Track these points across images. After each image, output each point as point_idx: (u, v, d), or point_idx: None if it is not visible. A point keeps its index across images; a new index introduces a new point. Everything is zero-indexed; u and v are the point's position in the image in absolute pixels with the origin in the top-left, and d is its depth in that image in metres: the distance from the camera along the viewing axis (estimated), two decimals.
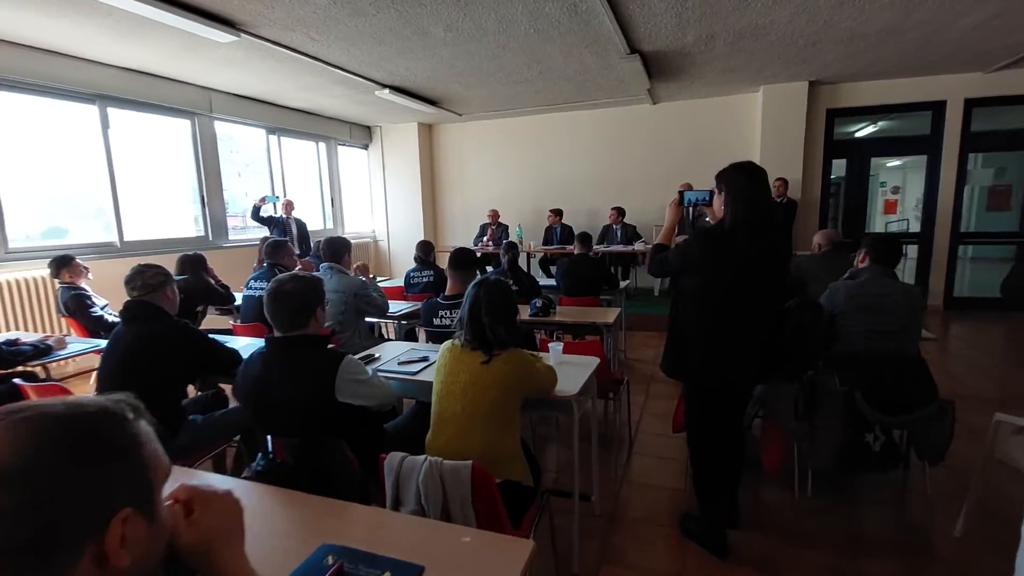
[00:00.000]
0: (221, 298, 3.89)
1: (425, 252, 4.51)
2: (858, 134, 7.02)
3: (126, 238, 5.11)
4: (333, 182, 7.93)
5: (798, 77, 6.07)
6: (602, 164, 7.70)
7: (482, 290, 1.73)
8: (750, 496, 2.45)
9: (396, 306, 3.89)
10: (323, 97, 6.26)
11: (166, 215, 5.76)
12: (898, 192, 7.36)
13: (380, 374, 2.23)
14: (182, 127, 5.67)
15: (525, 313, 3.40)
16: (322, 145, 7.72)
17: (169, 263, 4.56)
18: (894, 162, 7.34)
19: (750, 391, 2.25)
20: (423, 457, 1.42)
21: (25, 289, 4.24)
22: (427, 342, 2.91)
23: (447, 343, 1.79)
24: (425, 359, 2.35)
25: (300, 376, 1.62)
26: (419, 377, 2.16)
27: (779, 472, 2.54)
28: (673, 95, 6.81)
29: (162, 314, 2.16)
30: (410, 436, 1.93)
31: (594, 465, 2.40)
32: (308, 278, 1.74)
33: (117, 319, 4.05)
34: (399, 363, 2.32)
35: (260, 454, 1.66)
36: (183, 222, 5.88)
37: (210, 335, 3.10)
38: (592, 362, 2.23)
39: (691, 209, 2.41)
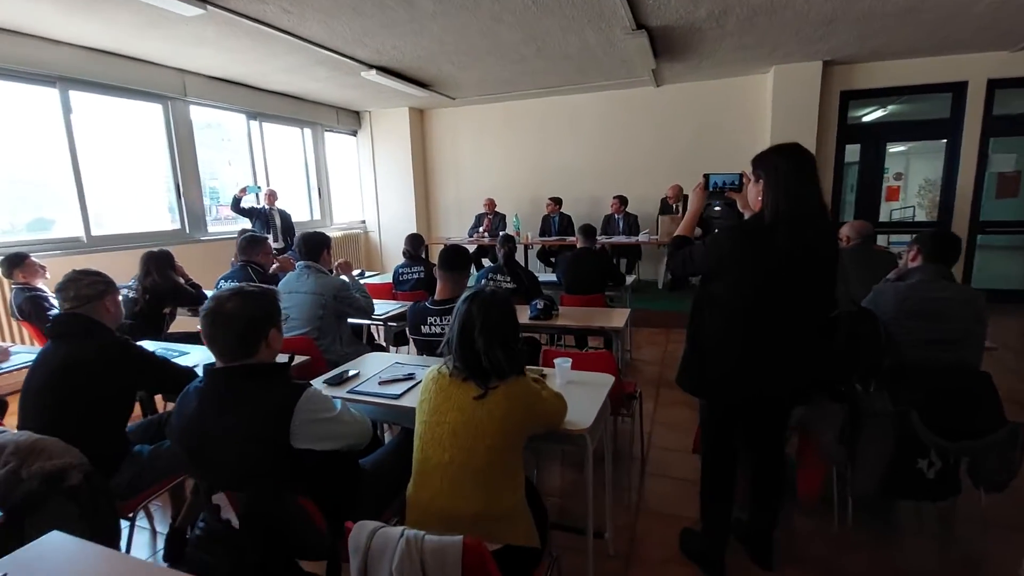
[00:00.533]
0: (191, 298, 3.54)
1: (414, 246, 4.17)
2: (866, 119, 6.66)
3: (94, 232, 4.74)
4: (320, 170, 7.54)
5: (812, 57, 5.70)
6: (603, 150, 7.34)
7: (475, 306, 1.40)
8: (783, 526, 2.16)
9: (384, 306, 3.56)
10: (306, 80, 5.85)
11: (139, 207, 5.38)
12: (900, 178, 7.05)
13: (356, 395, 1.91)
14: (154, 112, 5.27)
15: (524, 315, 3.08)
16: (308, 131, 7.31)
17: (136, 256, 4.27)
18: (897, 147, 6.99)
19: (787, 412, 1.95)
20: (399, 531, 1.09)
21: None
22: (419, 353, 2.58)
23: (432, 370, 1.46)
24: (411, 377, 2.03)
25: (245, 418, 1.28)
26: (403, 402, 1.83)
27: (817, 500, 2.24)
28: (679, 76, 6.43)
29: (95, 330, 1.82)
30: (394, 477, 1.61)
31: (607, 493, 2.09)
32: (256, 293, 1.40)
33: None
34: (380, 382, 1.99)
35: (204, 512, 1.34)
36: (157, 214, 5.50)
37: (169, 346, 2.79)
38: (605, 381, 1.91)
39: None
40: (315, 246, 2.94)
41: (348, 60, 5.04)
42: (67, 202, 4.62)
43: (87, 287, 1.85)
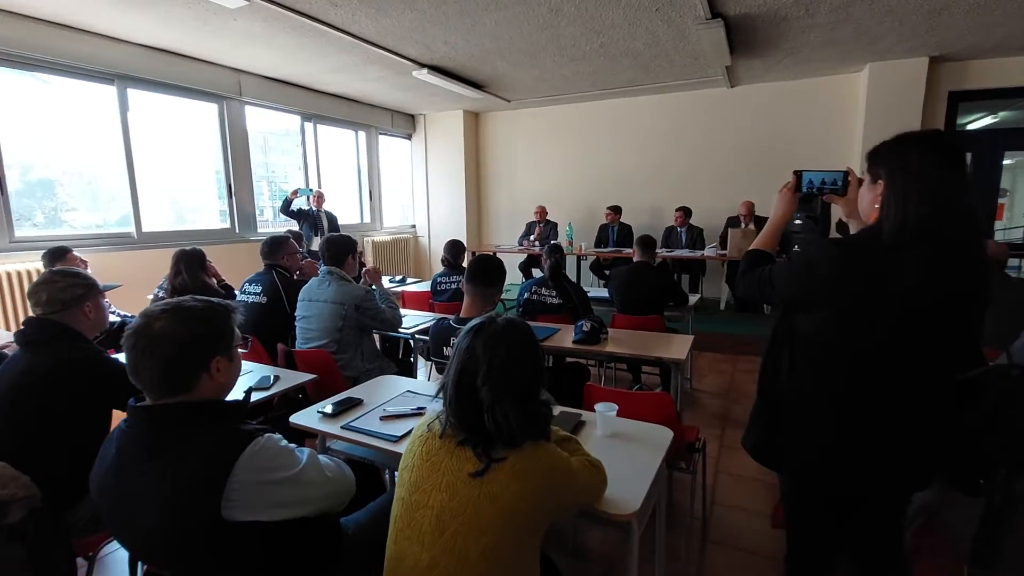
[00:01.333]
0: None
1: (454, 254, 3.86)
2: (971, 126, 5.77)
3: (144, 228, 4.76)
4: (372, 173, 7.45)
5: (916, 52, 4.98)
6: (667, 158, 6.80)
7: (480, 342, 1.03)
8: None
9: (417, 318, 3.26)
10: (358, 80, 5.73)
11: (190, 205, 5.42)
12: (1006, 195, 6.06)
13: (351, 432, 1.57)
14: (209, 112, 5.29)
15: (568, 338, 2.67)
16: (362, 134, 7.24)
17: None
18: (1006, 160, 5.98)
19: (905, 502, 1.44)
20: None
21: (28, 282, 3.91)
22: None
23: (421, 425, 1.10)
24: (420, 412, 1.68)
25: (168, 476, 0.97)
26: (402, 446, 1.48)
27: None
28: (756, 76, 5.83)
29: (64, 338, 1.59)
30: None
31: (656, 565, 1.64)
32: (198, 309, 1.09)
33: (118, 318, 3.71)
34: (382, 417, 1.66)
35: None
36: (208, 213, 5.52)
37: None
38: (661, 439, 1.48)
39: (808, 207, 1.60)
40: (339, 250, 2.67)
41: (399, 58, 4.84)
42: (120, 199, 4.67)
43: (62, 291, 1.63)
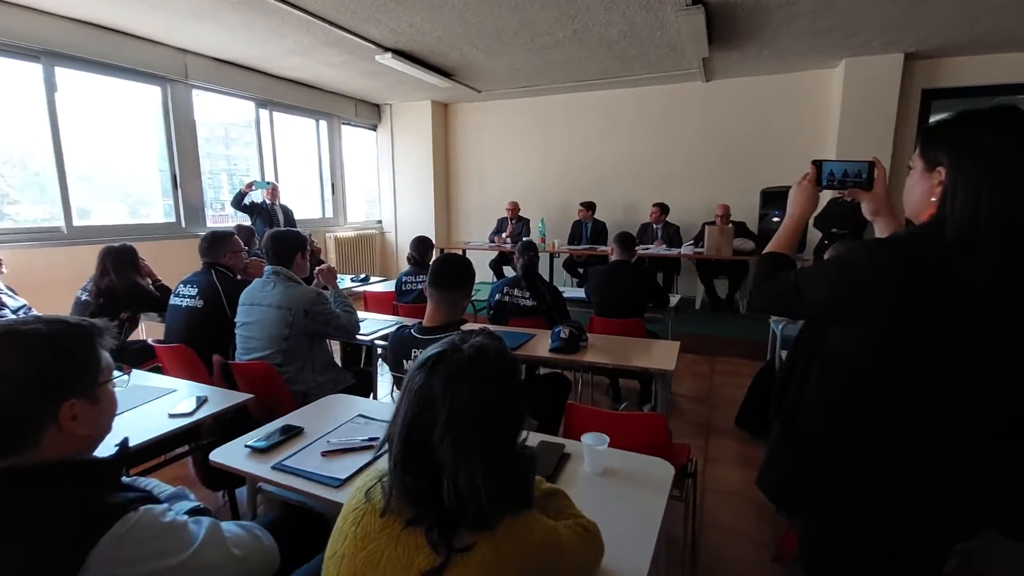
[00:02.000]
0: (154, 303, 3.02)
1: (421, 252, 3.58)
2: None
3: (75, 223, 4.30)
4: (335, 166, 7.05)
5: (893, 47, 4.91)
6: (642, 153, 6.64)
7: (440, 379, 0.76)
8: None
9: (379, 323, 2.96)
10: (319, 65, 5.35)
11: (136, 198, 4.96)
12: None
13: (283, 472, 1.29)
14: (151, 95, 4.83)
15: (543, 345, 2.43)
16: (323, 123, 6.84)
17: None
18: None
19: (946, 554, 1.24)
20: None
21: None
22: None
23: (355, 494, 0.82)
24: (371, 445, 1.40)
25: None
26: (344, 493, 1.21)
27: None
28: (732, 69, 5.70)
29: None
30: None
31: None
32: (44, 333, 0.79)
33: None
34: (324, 450, 1.37)
35: None
36: (153, 205, 5.07)
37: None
38: (661, 477, 1.24)
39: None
40: (286, 247, 2.36)
41: (361, 41, 4.50)
42: (48, 188, 4.20)
43: None
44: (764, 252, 1.26)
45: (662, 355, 2.31)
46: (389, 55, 4.79)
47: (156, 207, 5.08)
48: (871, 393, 1.04)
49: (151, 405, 1.75)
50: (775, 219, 4.73)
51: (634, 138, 6.63)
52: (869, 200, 1.28)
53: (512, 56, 5.08)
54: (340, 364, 2.97)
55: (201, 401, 1.73)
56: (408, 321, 1.96)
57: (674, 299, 3.46)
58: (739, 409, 3.22)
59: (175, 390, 1.86)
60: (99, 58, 4.26)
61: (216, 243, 2.70)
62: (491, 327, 2.97)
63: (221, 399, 1.79)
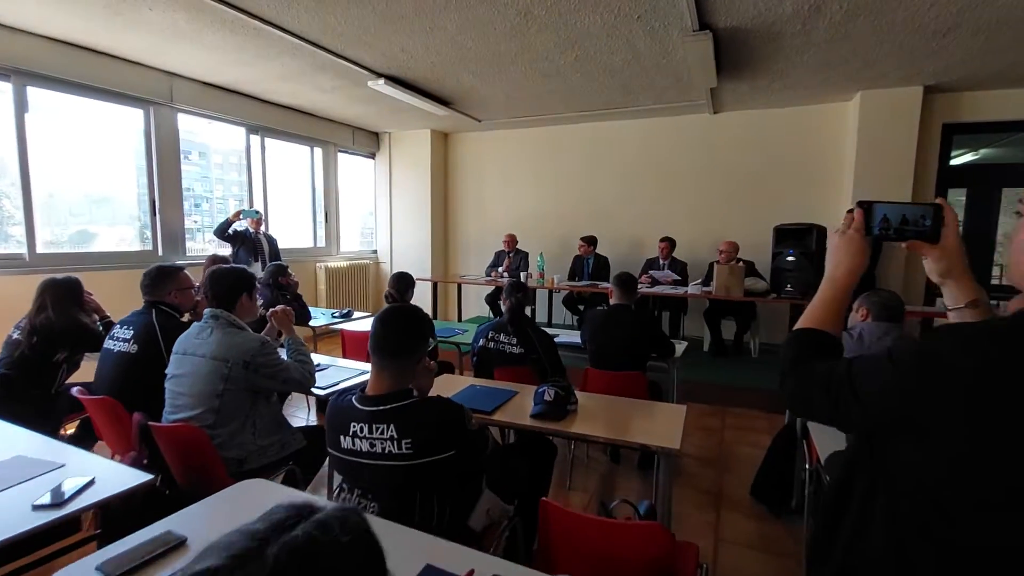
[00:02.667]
0: (97, 342, 2.69)
1: (400, 289, 3.25)
2: (953, 162, 5.46)
3: (39, 250, 4.03)
4: (329, 194, 6.82)
5: (912, 80, 4.65)
6: (646, 186, 6.36)
7: None
8: None
9: (347, 371, 2.62)
10: (311, 90, 5.17)
11: (104, 222, 4.71)
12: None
13: None
14: (131, 117, 4.63)
15: (529, 402, 2.07)
16: (318, 150, 6.64)
17: (97, 281, 3.48)
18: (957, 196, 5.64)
19: None
20: None
21: None
22: (334, 489, 1.59)
23: None
24: None
25: None
26: None
27: None
28: (740, 102, 5.46)
29: None
30: None
31: None
32: None
33: None
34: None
35: None
36: (126, 232, 4.81)
37: None
38: None
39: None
40: (228, 287, 2.04)
41: (352, 66, 4.30)
42: (79, 214, 3.97)
43: None
44: (796, 328, 0.92)
45: (666, 424, 1.94)
46: (382, 81, 4.59)
47: (131, 234, 4.82)
48: (965, 533, 0.69)
49: (29, 485, 1.40)
50: (789, 258, 4.39)
51: (638, 171, 6.37)
52: (937, 257, 0.95)
53: (510, 84, 4.86)
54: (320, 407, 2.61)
55: (85, 485, 1.38)
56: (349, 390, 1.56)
57: (680, 347, 3.10)
58: (755, 478, 2.81)
59: (63, 465, 1.51)
60: (77, 79, 4.08)
61: (160, 278, 2.39)
62: (474, 380, 2.62)
63: (113, 480, 1.43)
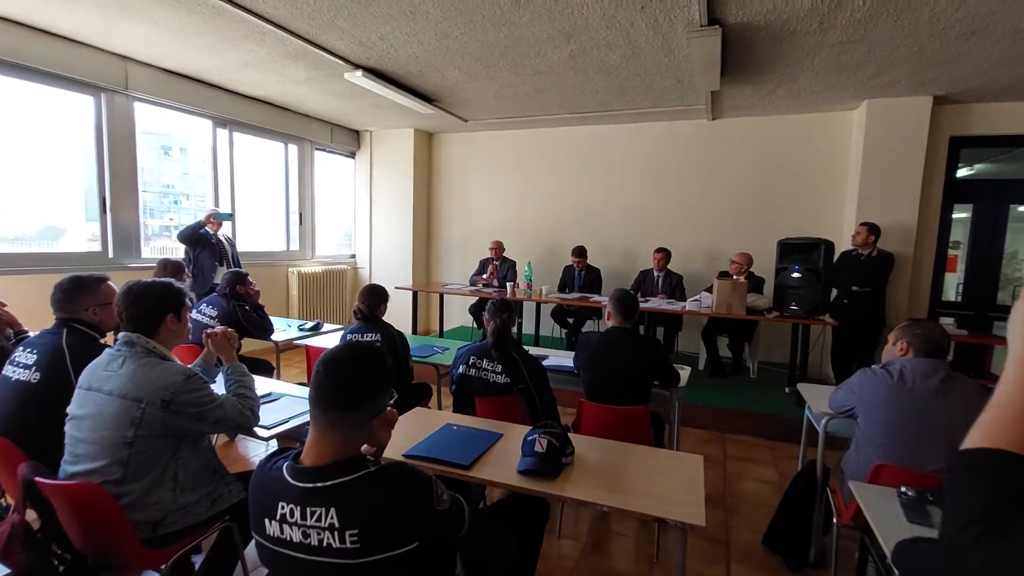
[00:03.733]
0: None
1: (371, 304, 2.88)
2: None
3: None
4: (305, 194, 6.41)
5: (922, 89, 4.43)
6: (640, 194, 6.07)
7: None
8: None
9: (301, 405, 2.23)
10: (283, 81, 4.77)
11: (45, 221, 4.25)
12: (958, 247, 5.59)
13: None
14: (80, 105, 4.19)
15: (515, 447, 1.72)
16: (293, 147, 6.23)
17: (36, 285, 3.02)
18: (960, 213, 5.45)
19: None
20: None
21: None
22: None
23: None
24: None
25: None
26: None
27: None
28: (742, 108, 5.20)
29: None
30: None
31: None
32: None
33: None
34: None
35: None
36: (72, 231, 4.36)
37: None
38: None
39: None
40: (149, 308, 1.65)
41: (325, 54, 3.92)
42: (46, 206, 3.54)
43: None
44: (977, 450, 0.59)
45: (683, 482, 1.60)
46: (359, 73, 4.22)
47: (78, 234, 4.36)
48: None
49: None
50: (795, 274, 4.10)
51: (631, 178, 6.07)
52: None
53: (499, 80, 4.53)
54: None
55: None
56: (282, 453, 1.17)
57: (684, 374, 2.77)
58: (770, 526, 2.49)
59: None
60: (14, 59, 3.63)
61: (76, 291, 1.98)
62: (451, 417, 2.26)
63: None
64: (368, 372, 1.11)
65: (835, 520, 2.04)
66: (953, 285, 5.21)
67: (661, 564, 2.38)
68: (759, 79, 4.27)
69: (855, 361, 4.54)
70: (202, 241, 4.59)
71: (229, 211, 5.05)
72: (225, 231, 4.79)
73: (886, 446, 1.82)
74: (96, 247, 4.34)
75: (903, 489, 1.52)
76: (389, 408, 1.21)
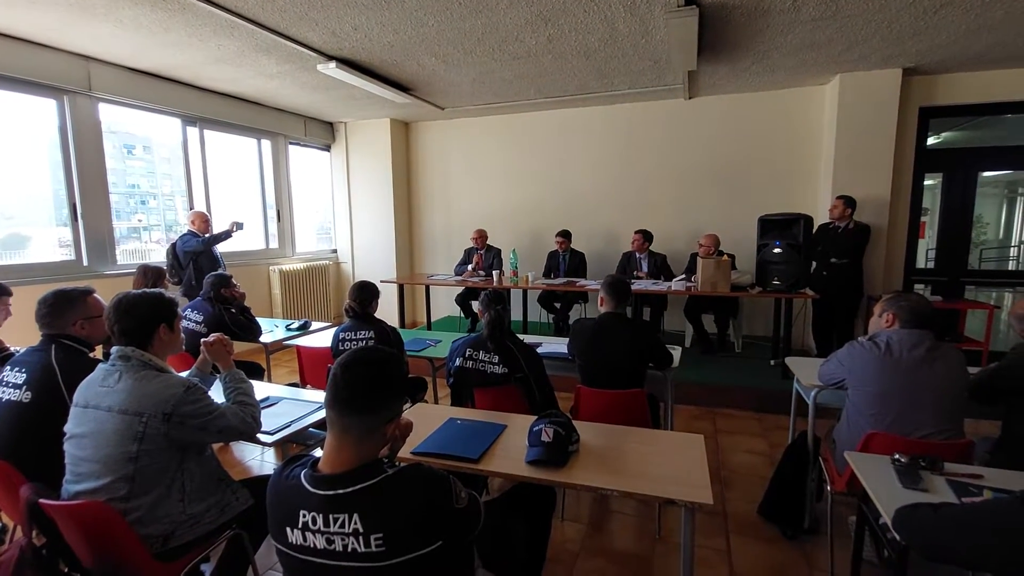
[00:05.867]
0: None
1: (362, 301, 2.85)
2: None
3: None
4: (281, 190, 6.28)
5: (892, 62, 4.50)
6: (620, 175, 6.09)
7: None
8: None
9: (300, 408, 2.22)
10: (254, 76, 4.64)
11: (13, 229, 4.11)
12: (927, 213, 5.76)
13: None
14: (44, 109, 4.03)
15: (520, 438, 1.74)
16: (266, 143, 6.09)
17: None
18: (930, 181, 5.58)
19: None
20: None
21: None
22: None
23: None
24: None
25: None
26: None
27: None
28: (718, 86, 5.23)
29: None
30: None
31: None
32: None
33: None
34: None
35: None
36: (42, 239, 4.22)
37: None
38: None
39: None
40: (140, 320, 1.61)
41: (297, 46, 3.82)
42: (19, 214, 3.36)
43: None
44: None
45: (686, 461, 1.65)
46: (333, 65, 4.12)
47: (45, 241, 4.22)
48: None
49: None
50: (776, 250, 4.19)
51: (612, 159, 6.08)
52: None
53: (477, 68, 4.47)
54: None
55: None
56: (298, 459, 1.16)
57: (676, 354, 2.83)
58: (764, 496, 2.58)
59: None
60: None
61: (62, 306, 1.92)
62: (452, 411, 2.28)
63: None
64: (385, 377, 1.12)
65: (828, 488, 2.12)
66: (923, 251, 5.37)
67: (663, 540, 2.44)
68: (734, 57, 4.30)
69: (835, 331, 4.67)
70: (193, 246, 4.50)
71: (240, 222, 4.83)
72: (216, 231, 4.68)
73: (877, 415, 1.89)
74: (69, 255, 4.21)
75: (896, 456, 1.59)
76: (405, 418, 1.21)
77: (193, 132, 5.15)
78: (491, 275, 5.29)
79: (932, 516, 1.13)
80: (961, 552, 1.07)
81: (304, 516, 1.06)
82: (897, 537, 1.25)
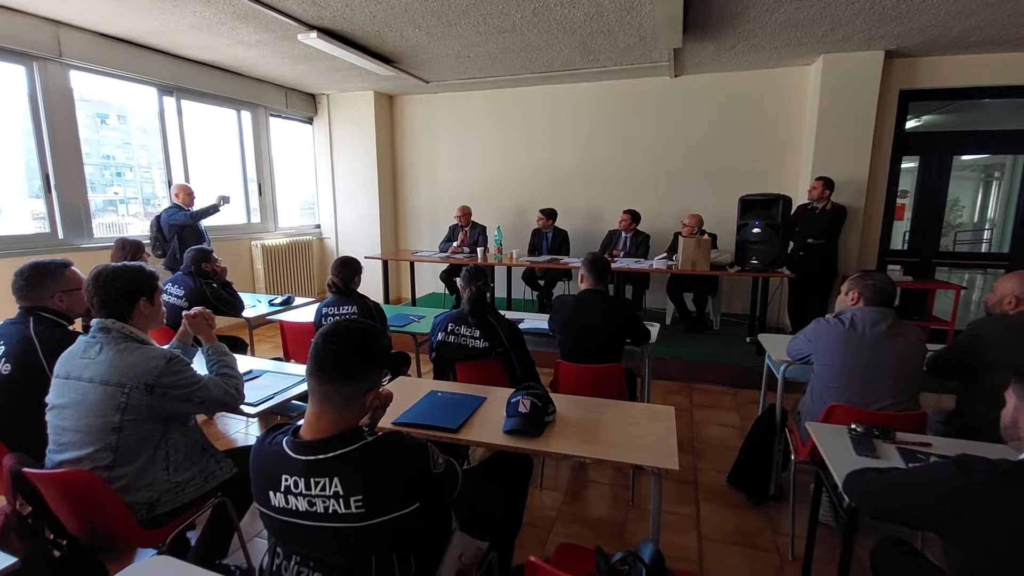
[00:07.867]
0: None
1: (345, 277, 2.87)
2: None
3: None
4: (262, 164, 6.18)
5: (875, 44, 4.54)
6: (606, 153, 6.10)
7: None
8: None
9: (283, 381, 2.25)
10: (233, 44, 4.52)
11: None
12: (906, 196, 5.89)
13: None
14: (14, 75, 3.90)
15: (499, 409, 1.80)
16: (246, 114, 5.96)
17: None
18: (907, 163, 5.71)
19: None
20: None
21: None
22: (270, 546, 1.27)
23: None
24: None
25: None
26: None
27: None
28: (703, 64, 5.23)
29: None
30: None
31: None
32: None
33: None
34: None
35: None
36: (14, 211, 4.13)
37: None
38: None
39: None
40: (120, 292, 1.62)
41: (276, 15, 3.73)
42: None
43: None
44: None
45: (656, 432, 1.73)
46: (314, 34, 4.04)
47: (18, 212, 4.13)
48: None
49: None
50: (755, 230, 4.27)
51: (597, 137, 6.08)
52: None
53: (461, 40, 4.41)
54: None
55: None
56: (280, 428, 1.21)
57: (654, 331, 2.91)
58: (733, 466, 2.69)
59: None
60: None
61: (39, 278, 1.92)
62: (434, 384, 2.33)
63: None
64: (365, 347, 1.15)
65: (792, 457, 2.23)
66: (900, 234, 5.51)
67: (636, 507, 2.55)
68: (720, 35, 4.30)
69: (809, 310, 4.80)
70: (180, 220, 4.45)
71: (227, 195, 4.76)
72: (198, 206, 4.61)
73: (839, 388, 1.99)
74: (44, 227, 4.13)
75: (853, 426, 1.68)
76: (384, 388, 1.25)
77: (170, 102, 5.03)
78: (476, 252, 5.31)
79: (877, 480, 1.21)
80: (903, 512, 1.15)
81: (286, 480, 1.11)
82: (847, 499, 1.34)
